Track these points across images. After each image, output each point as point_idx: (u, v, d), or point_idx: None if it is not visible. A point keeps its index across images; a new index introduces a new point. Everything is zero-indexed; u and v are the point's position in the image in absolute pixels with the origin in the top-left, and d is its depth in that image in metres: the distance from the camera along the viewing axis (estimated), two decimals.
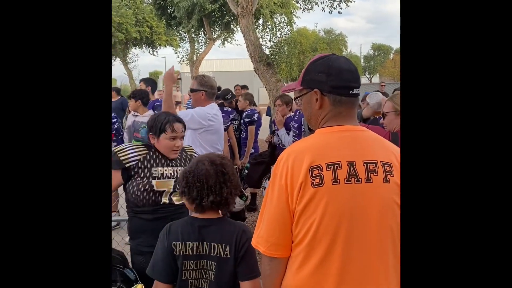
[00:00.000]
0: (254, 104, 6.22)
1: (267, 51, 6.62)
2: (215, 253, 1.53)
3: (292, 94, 1.78)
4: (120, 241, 3.59)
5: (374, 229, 1.20)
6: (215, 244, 1.54)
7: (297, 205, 1.19)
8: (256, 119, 5.21)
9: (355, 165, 1.20)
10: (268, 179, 4.50)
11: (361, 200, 1.20)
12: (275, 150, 4.56)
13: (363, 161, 1.22)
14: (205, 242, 1.54)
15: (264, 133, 7.30)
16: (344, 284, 1.19)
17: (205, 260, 1.54)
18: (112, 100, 8.06)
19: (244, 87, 7.19)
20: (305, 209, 1.19)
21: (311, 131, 3.35)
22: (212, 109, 3.36)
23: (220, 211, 1.62)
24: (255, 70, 6.53)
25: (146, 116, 4.26)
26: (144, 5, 20.03)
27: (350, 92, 1.28)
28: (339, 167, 1.19)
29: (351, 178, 1.19)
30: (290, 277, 1.25)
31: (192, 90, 3.38)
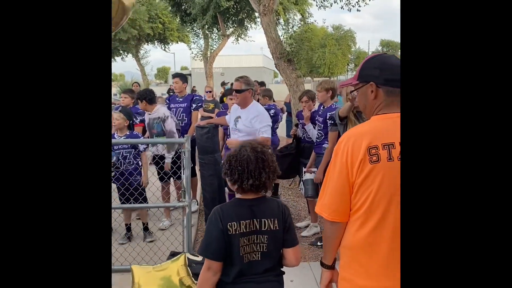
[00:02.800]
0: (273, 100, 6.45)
1: (287, 48, 6.82)
2: (266, 228, 1.73)
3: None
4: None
5: None
6: (265, 219, 1.73)
7: (357, 178, 1.43)
8: (272, 114, 5.39)
9: None
10: (296, 174, 4.72)
11: None
12: (300, 142, 4.77)
13: None
14: (255, 219, 1.73)
15: (281, 129, 7.50)
16: (396, 243, 1.39)
17: (255, 235, 1.72)
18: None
19: (262, 83, 7.39)
20: (364, 181, 1.42)
21: (342, 124, 3.56)
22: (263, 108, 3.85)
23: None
24: (276, 67, 6.75)
25: (155, 112, 4.59)
26: (157, 1, 20.25)
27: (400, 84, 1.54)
28: (393, 147, 1.41)
29: None
30: (349, 237, 1.50)
31: (240, 91, 3.69)
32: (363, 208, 1.44)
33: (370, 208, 1.43)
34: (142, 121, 5.59)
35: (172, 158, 4.42)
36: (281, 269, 1.83)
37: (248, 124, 3.78)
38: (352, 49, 32.50)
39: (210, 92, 7.45)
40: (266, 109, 5.29)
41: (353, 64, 35.57)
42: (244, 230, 1.72)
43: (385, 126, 1.47)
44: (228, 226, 1.70)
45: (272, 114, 5.38)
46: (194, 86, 14.53)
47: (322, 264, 1.64)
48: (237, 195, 1.82)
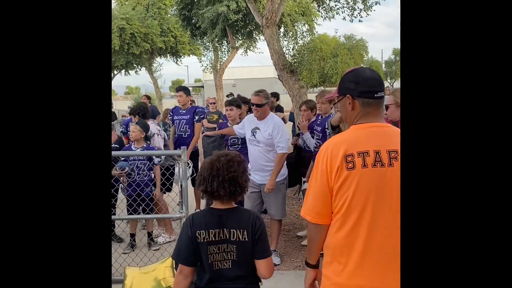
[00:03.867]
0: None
1: (289, 59, 6.91)
2: (234, 238, 1.78)
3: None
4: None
5: (394, 202, 1.51)
6: (234, 230, 1.78)
7: (335, 183, 1.56)
8: None
9: (380, 153, 1.55)
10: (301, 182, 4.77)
11: (385, 180, 1.54)
12: (300, 152, 4.84)
13: (386, 150, 1.56)
14: (225, 229, 1.78)
15: None
16: (370, 244, 1.54)
17: (226, 244, 1.78)
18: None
19: (275, 94, 7.46)
20: (341, 186, 1.55)
21: (334, 132, 3.63)
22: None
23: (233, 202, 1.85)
24: (279, 78, 6.85)
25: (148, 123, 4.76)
26: (169, 15, 20.64)
27: (375, 95, 1.64)
28: (367, 155, 1.55)
29: (377, 163, 1.54)
30: (330, 238, 1.64)
31: (260, 105, 3.89)
32: (341, 211, 1.57)
33: (347, 211, 1.56)
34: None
35: (161, 170, 4.55)
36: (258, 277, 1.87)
37: (267, 135, 3.93)
38: (364, 58, 32.37)
39: (214, 103, 7.65)
40: None
41: None
42: (213, 239, 1.78)
43: (361, 135, 1.62)
44: (197, 234, 1.78)
45: None
46: (208, 97, 14.75)
47: (307, 264, 1.75)
48: (212, 205, 1.89)
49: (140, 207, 4.25)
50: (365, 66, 1.70)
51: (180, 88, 5.50)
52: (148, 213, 4.19)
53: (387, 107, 2.95)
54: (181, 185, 3.49)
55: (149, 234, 4.51)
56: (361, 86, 1.63)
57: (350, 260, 1.56)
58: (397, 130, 1.66)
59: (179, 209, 3.50)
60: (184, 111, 5.35)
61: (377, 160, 1.54)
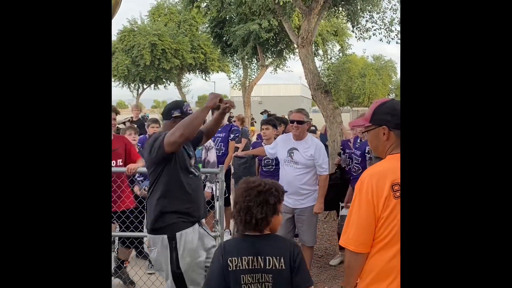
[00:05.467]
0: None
1: (325, 79, 6.82)
2: (270, 266, 1.65)
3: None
4: None
5: None
6: (270, 257, 1.66)
7: (383, 212, 1.61)
8: None
9: None
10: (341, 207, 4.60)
11: None
12: (344, 173, 4.66)
13: None
14: (259, 256, 1.66)
15: None
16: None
17: (260, 274, 1.65)
18: None
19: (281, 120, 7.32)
20: (389, 215, 1.60)
21: (378, 158, 3.51)
22: None
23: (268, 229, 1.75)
24: (312, 98, 6.75)
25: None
26: (200, 32, 21.03)
27: None
28: None
29: None
30: (373, 262, 1.66)
31: (302, 123, 3.81)
32: (386, 239, 1.62)
33: (394, 238, 1.60)
34: None
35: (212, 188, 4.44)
36: None
37: (308, 156, 3.80)
38: (393, 79, 32.03)
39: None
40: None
41: (394, 94, 35.07)
42: (246, 267, 1.67)
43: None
44: (229, 262, 1.67)
45: None
46: (231, 113, 14.73)
47: None
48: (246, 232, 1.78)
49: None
50: (396, 100, 1.83)
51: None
52: None
53: None
54: (218, 204, 3.41)
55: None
56: (397, 119, 1.68)
57: (394, 281, 1.61)
58: None
59: (214, 228, 3.43)
60: (219, 129, 5.29)
61: None
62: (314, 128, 8.25)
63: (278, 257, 1.66)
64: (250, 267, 1.66)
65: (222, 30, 14.56)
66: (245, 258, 1.66)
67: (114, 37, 20.89)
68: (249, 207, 1.67)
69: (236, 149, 5.78)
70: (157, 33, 19.70)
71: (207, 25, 16.10)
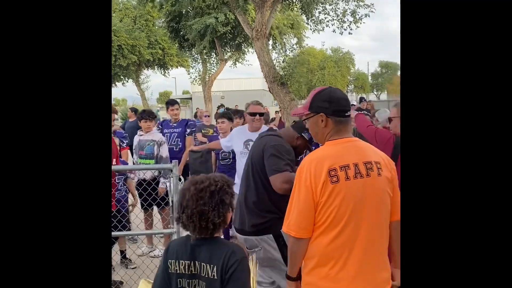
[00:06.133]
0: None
1: (280, 72, 6.89)
2: (204, 274, 1.53)
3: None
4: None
5: (373, 209, 1.68)
6: (204, 264, 1.54)
7: (321, 197, 1.64)
8: None
9: (358, 166, 1.68)
10: None
11: (365, 190, 1.67)
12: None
13: (362, 162, 1.69)
14: (196, 262, 1.55)
15: None
16: (354, 249, 1.65)
17: (197, 280, 1.55)
18: (130, 120, 8.41)
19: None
20: (327, 200, 1.63)
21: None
22: None
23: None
24: (269, 90, 6.81)
25: (149, 134, 4.53)
26: (157, 27, 20.61)
27: (345, 114, 1.79)
28: (348, 168, 1.66)
29: (357, 175, 1.66)
30: (313, 248, 1.69)
31: (262, 114, 3.86)
32: (326, 223, 1.65)
33: (332, 222, 1.64)
34: (128, 144, 5.65)
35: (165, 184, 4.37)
36: None
37: None
38: (351, 71, 32.70)
39: (208, 116, 7.09)
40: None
41: (352, 86, 35.83)
42: (183, 271, 1.57)
43: (339, 150, 1.72)
44: (169, 264, 1.59)
45: None
46: (197, 108, 14.51)
47: (289, 278, 1.79)
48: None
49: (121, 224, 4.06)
50: (333, 87, 1.89)
51: (174, 101, 5.37)
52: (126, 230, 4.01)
53: (390, 120, 2.88)
54: (172, 200, 3.36)
55: (122, 252, 4.31)
56: (334, 106, 1.75)
57: (336, 265, 1.65)
58: (367, 143, 1.86)
59: (170, 225, 3.39)
60: (175, 124, 5.20)
61: (356, 172, 1.66)
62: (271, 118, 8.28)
63: (211, 265, 1.53)
64: (187, 272, 1.56)
65: (178, 24, 14.32)
66: (182, 262, 1.56)
67: None
68: (203, 211, 1.52)
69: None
70: (112, 29, 19.13)
71: (163, 20, 15.81)
